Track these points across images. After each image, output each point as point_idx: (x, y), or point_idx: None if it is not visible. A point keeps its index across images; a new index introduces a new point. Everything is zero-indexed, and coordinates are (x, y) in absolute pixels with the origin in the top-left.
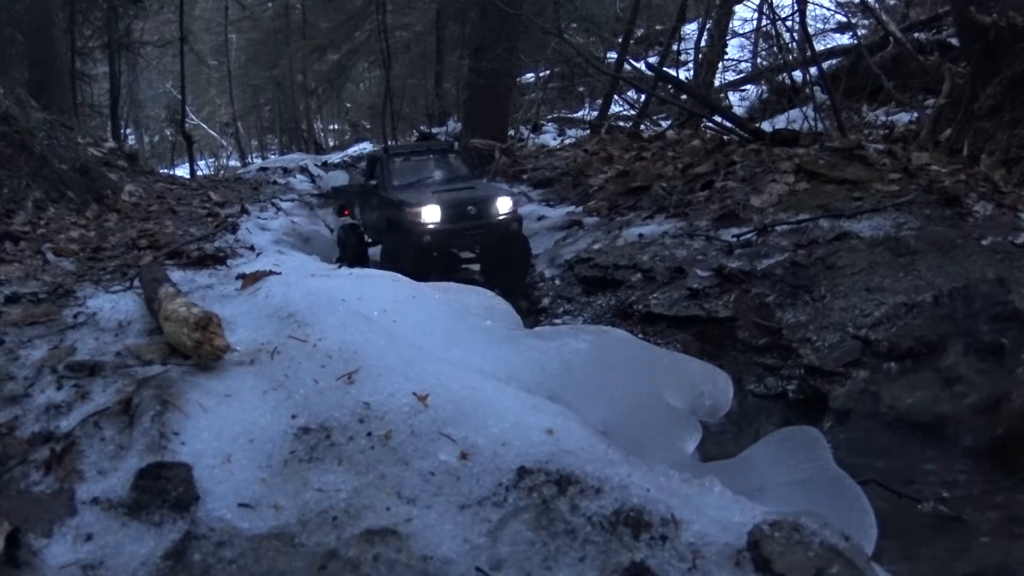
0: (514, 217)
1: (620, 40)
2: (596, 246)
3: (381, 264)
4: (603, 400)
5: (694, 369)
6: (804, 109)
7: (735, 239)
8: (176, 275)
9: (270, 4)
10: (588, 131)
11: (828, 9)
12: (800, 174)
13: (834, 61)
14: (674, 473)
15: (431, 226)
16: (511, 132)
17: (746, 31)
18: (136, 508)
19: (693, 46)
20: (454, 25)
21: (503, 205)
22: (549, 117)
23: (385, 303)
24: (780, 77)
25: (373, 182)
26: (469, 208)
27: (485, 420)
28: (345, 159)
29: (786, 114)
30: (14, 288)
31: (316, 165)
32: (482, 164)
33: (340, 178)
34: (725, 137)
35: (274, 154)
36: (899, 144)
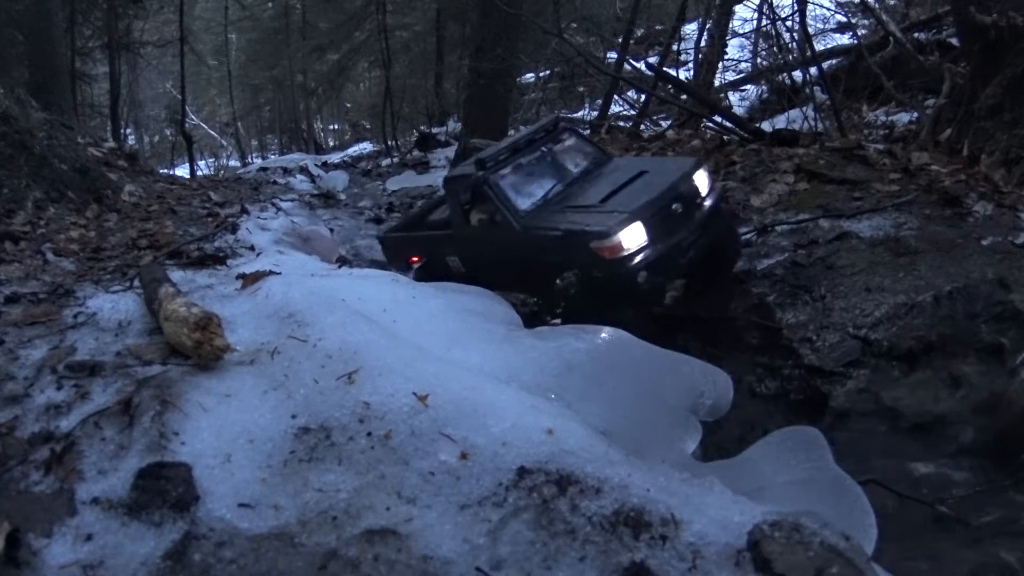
0: (719, 194)
1: (620, 40)
2: None
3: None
4: (603, 400)
5: (694, 369)
6: (804, 109)
7: None
8: (176, 275)
9: (270, 4)
10: (588, 131)
11: (828, 9)
12: (800, 174)
13: (834, 61)
14: (674, 473)
15: (639, 256)
16: (511, 132)
17: (746, 31)
18: (136, 508)
19: (693, 46)
20: (454, 25)
21: (702, 181)
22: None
23: (385, 303)
24: (780, 77)
25: (477, 215)
26: (674, 207)
27: (485, 420)
28: (345, 159)
29: (786, 114)
30: (14, 288)
31: (316, 165)
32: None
33: (340, 178)
34: (725, 137)
35: (274, 154)
36: (899, 144)
